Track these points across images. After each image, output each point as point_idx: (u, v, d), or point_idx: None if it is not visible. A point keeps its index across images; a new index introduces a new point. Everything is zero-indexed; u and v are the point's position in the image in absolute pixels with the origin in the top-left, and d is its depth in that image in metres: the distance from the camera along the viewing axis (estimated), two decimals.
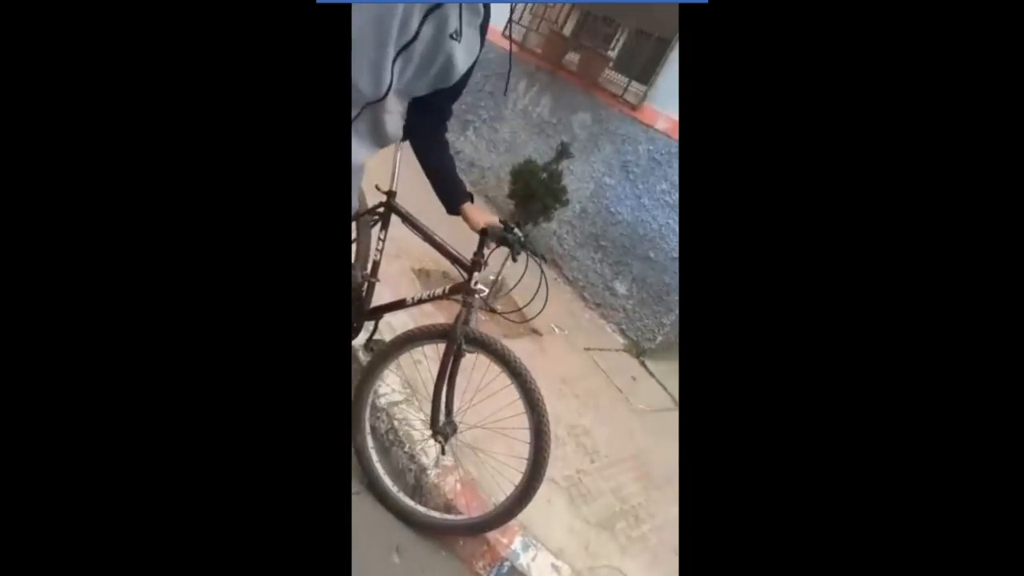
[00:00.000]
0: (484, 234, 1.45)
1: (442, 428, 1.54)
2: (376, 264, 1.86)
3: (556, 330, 3.09)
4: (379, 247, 1.85)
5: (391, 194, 1.83)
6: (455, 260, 1.54)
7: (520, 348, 2.87)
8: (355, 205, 2.00)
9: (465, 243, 1.60)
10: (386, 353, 1.59)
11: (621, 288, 3.56)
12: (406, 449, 1.82)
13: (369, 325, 1.93)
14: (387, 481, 1.68)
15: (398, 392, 2.02)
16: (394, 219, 1.82)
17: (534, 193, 2.73)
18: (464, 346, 1.48)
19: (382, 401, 1.95)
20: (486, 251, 1.48)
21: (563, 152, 2.77)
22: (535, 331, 2.93)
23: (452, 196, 1.37)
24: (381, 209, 1.86)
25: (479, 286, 1.50)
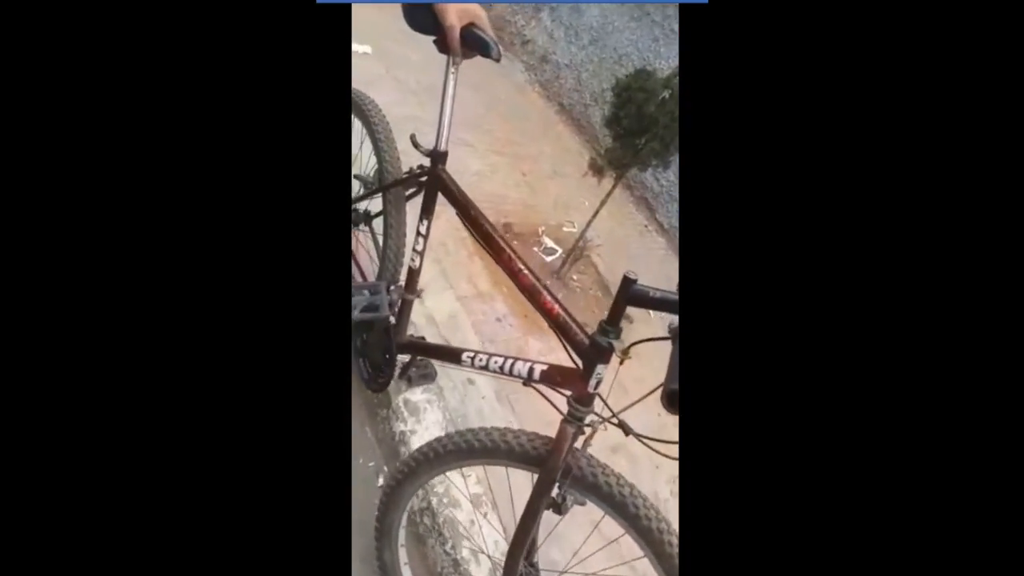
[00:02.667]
0: (628, 285, 0.69)
1: None
2: (414, 273, 1.13)
3: (651, 312, 2.34)
4: (418, 246, 1.10)
5: (438, 157, 1.03)
6: (561, 328, 0.79)
7: None
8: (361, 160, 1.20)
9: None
10: (439, 457, 0.92)
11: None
12: (448, 547, 1.24)
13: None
14: None
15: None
16: (443, 202, 1.05)
17: (649, 124, 1.82)
18: (568, 496, 0.79)
19: None
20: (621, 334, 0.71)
21: None
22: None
23: None
24: (423, 178, 1.08)
25: (600, 387, 0.76)
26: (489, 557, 1.19)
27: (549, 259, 2.34)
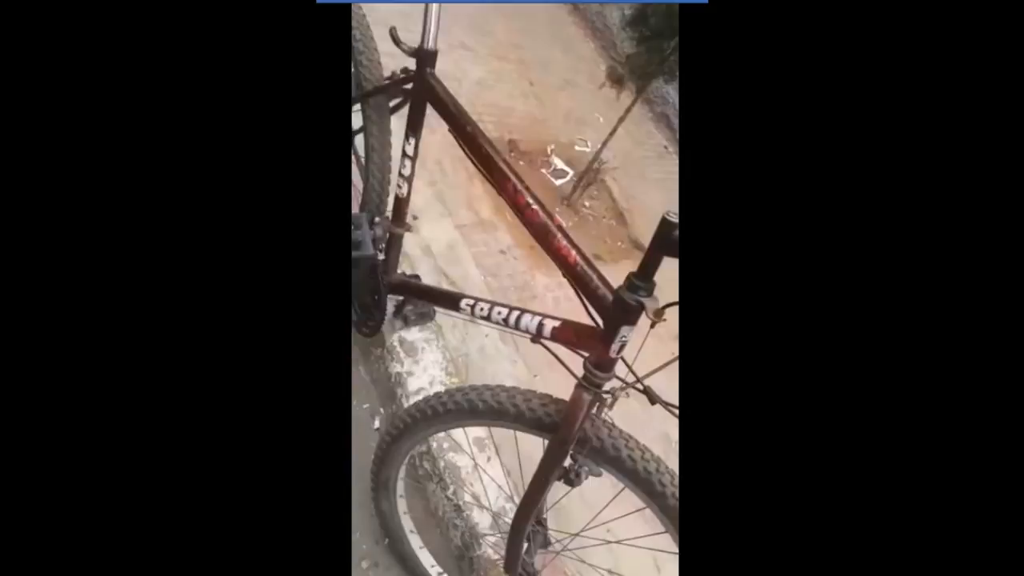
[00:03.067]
0: (668, 231, 0.54)
1: (527, 568, 0.84)
2: (402, 202, 0.96)
3: None
4: (405, 170, 0.93)
5: (425, 57, 0.83)
6: (578, 280, 0.65)
7: (619, 277, 1.94)
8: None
9: None
10: (437, 416, 0.81)
11: None
12: (449, 492, 1.18)
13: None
14: (416, 542, 1.08)
15: (443, 383, 1.31)
16: (432, 115, 0.86)
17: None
18: (581, 466, 0.69)
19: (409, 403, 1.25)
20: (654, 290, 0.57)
21: None
22: (638, 246, 2.04)
23: None
24: (408, 85, 0.89)
25: (622, 350, 0.63)
26: (490, 510, 1.14)
27: (559, 182, 2.14)
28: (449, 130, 0.82)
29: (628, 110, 1.83)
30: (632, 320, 0.59)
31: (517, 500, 1.17)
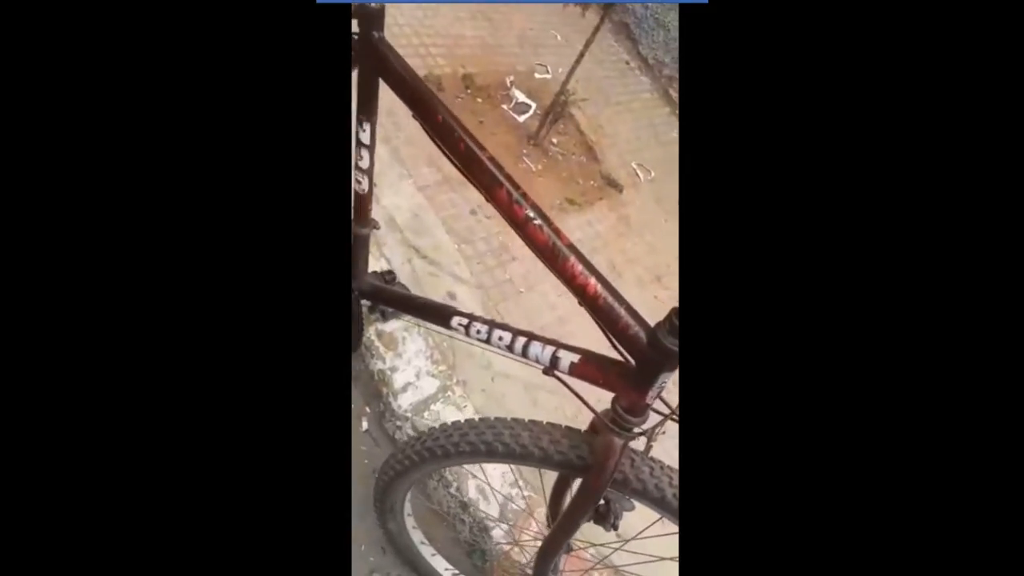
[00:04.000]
0: None
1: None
2: (363, 198, 0.80)
3: (639, 174, 2.05)
4: (362, 162, 0.76)
5: (370, 17, 0.64)
6: (603, 316, 0.53)
7: (595, 221, 1.88)
8: None
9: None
10: (447, 457, 0.72)
11: None
12: (453, 489, 1.13)
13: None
14: (427, 552, 1.04)
15: (431, 374, 1.22)
16: (387, 95, 0.68)
17: None
18: (616, 503, 0.63)
19: (401, 402, 1.17)
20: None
21: None
22: (611, 183, 1.91)
23: None
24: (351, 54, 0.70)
25: (659, 396, 0.53)
26: (497, 494, 1.10)
27: (522, 118, 1.94)
28: (413, 116, 0.65)
29: (596, 30, 1.62)
30: (674, 365, 0.50)
31: (522, 484, 1.14)
